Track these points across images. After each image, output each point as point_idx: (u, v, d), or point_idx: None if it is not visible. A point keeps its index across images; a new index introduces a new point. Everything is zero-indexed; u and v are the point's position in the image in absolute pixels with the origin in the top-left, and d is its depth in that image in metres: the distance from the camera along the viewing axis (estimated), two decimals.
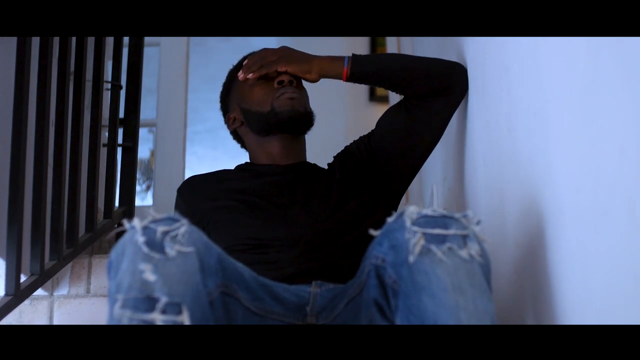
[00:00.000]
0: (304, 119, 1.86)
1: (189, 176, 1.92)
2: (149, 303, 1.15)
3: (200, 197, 1.83)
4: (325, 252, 1.66)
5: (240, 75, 1.87)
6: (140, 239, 1.21)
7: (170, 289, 1.17)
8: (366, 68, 1.85)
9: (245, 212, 1.75)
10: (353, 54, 1.85)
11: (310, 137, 1.96)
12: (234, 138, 2.00)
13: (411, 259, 1.21)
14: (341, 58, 1.85)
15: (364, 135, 1.94)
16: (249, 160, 1.95)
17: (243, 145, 1.98)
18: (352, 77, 1.84)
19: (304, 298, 1.50)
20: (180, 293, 1.18)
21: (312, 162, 1.95)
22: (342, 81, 1.87)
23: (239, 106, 1.91)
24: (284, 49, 1.90)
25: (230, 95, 1.95)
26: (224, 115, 1.98)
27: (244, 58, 1.94)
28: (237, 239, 1.71)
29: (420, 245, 1.21)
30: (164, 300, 1.15)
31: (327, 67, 1.86)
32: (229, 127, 1.97)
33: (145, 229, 1.23)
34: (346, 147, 1.95)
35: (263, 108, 1.84)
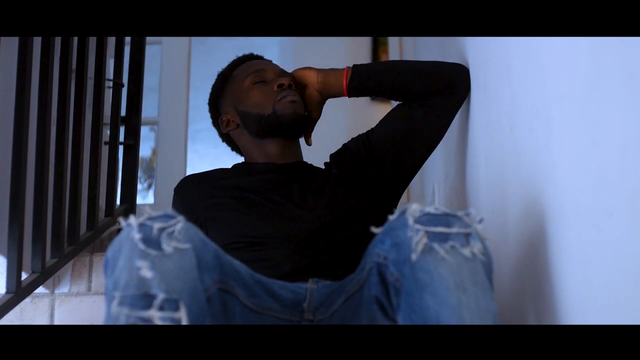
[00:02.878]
0: (304, 123, 1.88)
1: (186, 176, 1.93)
2: (147, 300, 1.14)
3: (196, 195, 1.84)
4: (320, 250, 1.66)
5: None
6: (137, 235, 1.20)
7: (167, 285, 1.16)
8: (366, 68, 1.89)
9: (241, 209, 1.75)
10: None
11: (312, 137, 1.96)
12: (224, 140, 2.01)
13: (414, 257, 1.21)
14: (342, 68, 1.91)
15: (362, 133, 1.95)
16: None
17: (234, 148, 2.00)
18: (353, 80, 1.87)
19: (301, 295, 1.50)
20: (177, 289, 1.17)
21: (314, 161, 1.96)
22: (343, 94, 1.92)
23: (235, 108, 1.92)
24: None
25: (224, 97, 1.97)
26: (215, 117, 1.99)
27: (234, 61, 2.00)
28: (233, 236, 1.71)
29: (422, 243, 1.21)
30: (161, 296, 1.14)
31: (329, 71, 1.91)
32: (221, 129, 1.97)
33: (141, 226, 1.22)
34: (344, 145, 1.96)
35: (263, 110, 1.86)
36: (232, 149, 2.01)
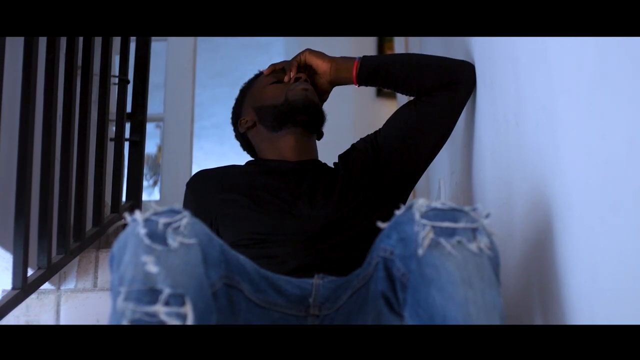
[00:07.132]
0: (317, 111, 1.90)
1: (198, 170, 1.93)
2: (152, 295, 1.14)
3: (208, 190, 1.84)
4: (327, 247, 1.66)
5: (266, 70, 1.98)
6: (142, 231, 1.20)
7: (173, 280, 1.16)
8: (375, 61, 1.92)
9: (250, 206, 1.75)
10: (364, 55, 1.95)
11: None
12: (241, 142, 2.03)
13: (420, 252, 1.20)
14: (353, 57, 1.94)
15: (370, 134, 1.96)
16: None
17: (248, 150, 2.01)
18: (362, 71, 1.89)
19: (307, 290, 1.50)
20: (183, 284, 1.17)
21: (319, 156, 1.96)
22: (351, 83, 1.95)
23: (253, 108, 1.95)
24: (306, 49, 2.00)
25: (243, 104, 2.00)
26: (235, 124, 2.02)
27: (257, 75, 2.04)
28: (242, 233, 1.72)
29: (429, 238, 1.20)
30: (167, 291, 1.14)
31: (340, 61, 1.94)
32: (239, 130, 1.99)
33: (146, 221, 1.22)
34: (352, 145, 1.97)
35: (277, 101, 1.89)
36: (247, 151, 2.03)
